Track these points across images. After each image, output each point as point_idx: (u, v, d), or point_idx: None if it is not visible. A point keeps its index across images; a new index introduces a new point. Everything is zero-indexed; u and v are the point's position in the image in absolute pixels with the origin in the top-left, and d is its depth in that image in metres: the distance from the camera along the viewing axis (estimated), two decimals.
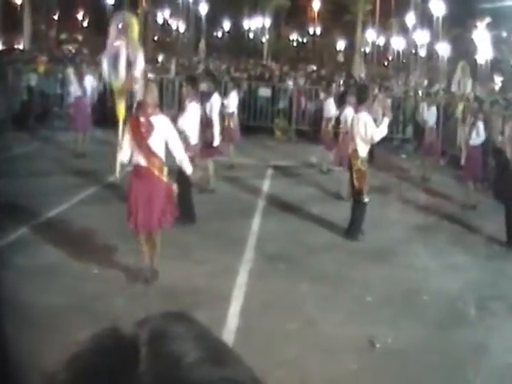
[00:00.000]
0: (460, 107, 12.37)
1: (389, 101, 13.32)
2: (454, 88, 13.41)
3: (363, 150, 8.24)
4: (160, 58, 25.83)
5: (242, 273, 6.85)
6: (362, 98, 8.60)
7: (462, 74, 12.91)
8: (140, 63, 7.46)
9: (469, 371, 5.02)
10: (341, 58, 39.52)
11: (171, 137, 6.47)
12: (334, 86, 14.38)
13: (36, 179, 10.00)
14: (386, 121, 8.43)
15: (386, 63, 38.77)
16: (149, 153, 6.30)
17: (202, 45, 28.67)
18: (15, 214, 8.01)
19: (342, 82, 18.83)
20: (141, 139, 6.28)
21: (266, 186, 11.20)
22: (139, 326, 0.60)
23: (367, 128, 8.07)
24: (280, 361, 4.96)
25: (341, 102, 12.06)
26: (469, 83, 13.03)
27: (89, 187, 9.95)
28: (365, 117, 8.16)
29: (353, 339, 5.47)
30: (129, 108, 7.91)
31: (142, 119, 6.31)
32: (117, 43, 7.20)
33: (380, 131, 8.20)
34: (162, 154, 6.39)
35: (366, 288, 6.65)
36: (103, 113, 13.90)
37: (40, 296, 5.82)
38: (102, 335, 0.60)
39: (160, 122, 6.37)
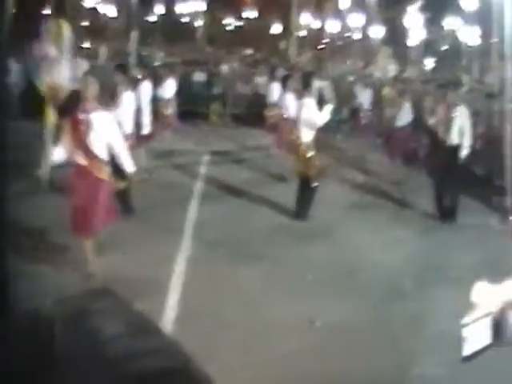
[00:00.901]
0: (385, 90, 12.63)
1: (328, 85, 13.41)
2: (376, 73, 13.68)
3: (307, 136, 8.35)
4: (89, 45, 25.04)
5: (180, 261, 6.76)
6: (306, 84, 8.68)
7: (383, 58, 13.21)
8: (65, 71, 7.26)
9: (409, 342, 5.11)
10: (276, 41, 39.53)
11: (111, 134, 6.23)
12: (278, 70, 14.30)
13: None
14: (329, 107, 8.60)
15: (321, 46, 39.00)
16: (88, 152, 6.07)
17: (135, 34, 28.01)
18: None
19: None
20: (79, 138, 6.04)
21: (204, 171, 11.13)
22: (58, 305, 0.56)
23: (311, 113, 8.21)
24: (222, 346, 4.92)
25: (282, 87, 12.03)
26: (392, 67, 13.31)
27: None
28: (309, 102, 8.32)
29: (294, 319, 5.49)
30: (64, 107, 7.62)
31: (81, 116, 6.06)
32: (43, 49, 6.97)
33: (323, 116, 8.40)
34: (102, 152, 6.17)
35: (307, 267, 6.69)
36: (28, 105, 13.42)
37: None
38: (20, 317, 0.56)
39: (100, 119, 6.12)
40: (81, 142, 6.04)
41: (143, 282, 6.00)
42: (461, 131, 8.69)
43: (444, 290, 6.21)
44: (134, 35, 27.69)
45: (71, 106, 6.55)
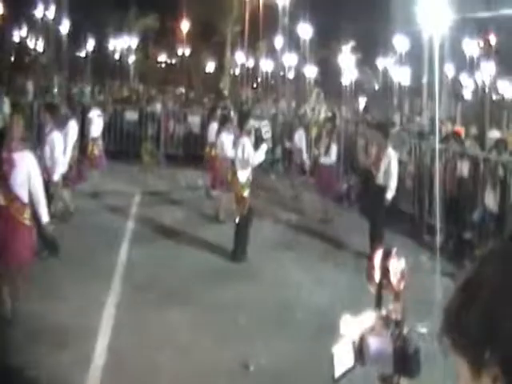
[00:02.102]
0: (314, 130, 12.97)
1: (266, 124, 13.60)
2: (309, 113, 14.02)
3: (243, 175, 8.43)
4: (16, 80, 24.49)
5: (109, 306, 6.57)
6: (242, 123, 8.86)
7: (316, 99, 13.62)
8: None
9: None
10: (210, 80, 39.85)
11: (33, 176, 6.10)
12: (218, 111, 14.36)
13: None
14: (264, 147, 8.93)
15: (255, 85, 39.55)
16: (9, 193, 5.95)
17: (63, 70, 27.70)
18: None
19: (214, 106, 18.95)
20: (1, 177, 5.92)
21: (134, 212, 10.94)
22: None
23: (247, 153, 8.37)
24: None
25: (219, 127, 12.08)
26: (323, 108, 13.70)
27: None
28: (245, 142, 8.48)
29: (226, 363, 5.44)
30: None
31: (5, 155, 5.94)
32: None
33: (258, 156, 8.58)
34: (24, 192, 6.04)
35: (239, 310, 6.64)
36: None
37: None
38: None
39: (23, 159, 6.02)
40: (2, 182, 5.92)
41: (71, 330, 5.85)
42: (387, 173, 8.89)
43: None
44: (62, 71, 27.48)
45: None
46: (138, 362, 5.34)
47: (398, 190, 9.28)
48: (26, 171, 5.99)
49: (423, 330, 2.43)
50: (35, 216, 6.30)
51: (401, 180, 9.91)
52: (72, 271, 7.47)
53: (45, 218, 6.33)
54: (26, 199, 6.06)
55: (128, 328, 6.03)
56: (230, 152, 10.08)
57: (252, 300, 7.00)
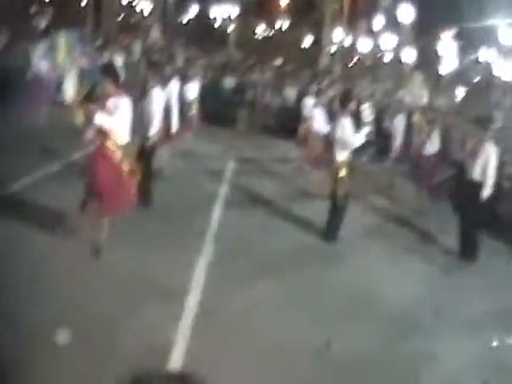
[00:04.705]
0: (416, 116, 12.55)
1: (368, 106, 13.29)
2: (407, 98, 13.55)
3: (341, 155, 8.22)
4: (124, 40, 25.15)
5: (200, 266, 6.66)
6: (345, 102, 8.55)
7: (415, 83, 13.12)
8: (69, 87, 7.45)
9: (419, 381, 5.00)
10: (306, 55, 39.51)
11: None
12: (313, 86, 14.25)
13: None
14: (366, 129, 8.58)
15: (350, 64, 38.89)
16: (110, 135, 6.21)
17: (156, 31, 28.07)
18: None
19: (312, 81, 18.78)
20: (104, 121, 6.19)
21: (228, 177, 11.02)
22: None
23: (347, 134, 8.10)
24: (235, 357, 4.84)
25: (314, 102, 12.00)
26: (423, 93, 13.14)
27: (51, 164, 9.55)
28: (346, 122, 8.18)
29: (308, 340, 5.38)
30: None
31: (104, 101, 6.20)
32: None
33: (358, 138, 8.28)
34: (124, 136, 6.30)
35: (324, 290, 6.57)
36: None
37: None
38: None
39: (122, 104, 6.25)
40: (104, 125, 6.18)
41: (161, 283, 5.96)
42: (484, 169, 8.45)
43: (458, 332, 6.09)
44: (167, 34, 27.93)
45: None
46: (224, 326, 5.37)
47: (494, 189, 8.74)
48: (125, 114, 6.25)
49: None
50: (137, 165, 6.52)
51: (498, 180, 9.41)
52: (164, 226, 7.64)
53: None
54: (127, 141, 6.33)
55: (217, 290, 6.07)
56: (324, 128, 9.94)
57: (338, 283, 6.89)
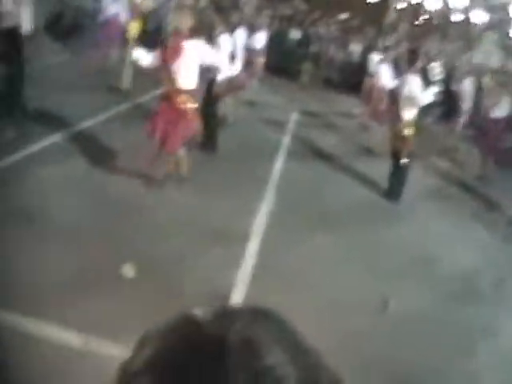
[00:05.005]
0: (486, 79, 12.07)
1: (437, 65, 12.86)
2: (477, 59, 13.01)
3: (407, 113, 8.03)
4: None
5: (261, 214, 6.70)
6: (412, 60, 8.34)
7: (487, 44, 12.54)
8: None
9: (473, 349, 4.93)
10: (372, 10, 38.42)
11: (207, 56, 6.30)
12: (379, 42, 13.91)
13: (66, 90, 9.78)
14: (434, 88, 8.38)
15: (417, 22, 37.64)
16: (177, 78, 6.17)
17: None
18: (46, 122, 8.03)
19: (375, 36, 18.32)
20: (170, 64, 6.13)
21: (290, 128, 10.95)
22: (226, 325, 0.54)
23: (415, 92, 7.89)
24: (293, 306, 4.86)
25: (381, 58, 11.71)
26: (496, 56, 12.58)
27: (117, 105, 9.67)
28: (414, 80, 7.98)
29: (365, 296, 5.36)
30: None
31: (173, 44, 6.12)
32: None
33: (426, 97, 8.10)
34: (191, 80, 6.24)
35: (383, 248, 6.50)
36: None
37: (62, 206, 5.77)
38: (188, 331, 0.55)
39: (193, 47, 6.14)
40: (171, 68, 6.13)
41: (224, 226, 6.04)
42: None
43: None
44: None
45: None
46: (284, 274, 5.40)
47: None
48: (196, 57, 6.15)
49: None
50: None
51: None
52: (228, 173, 7.68)
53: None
54: (191, 87, 6.26)
55: (277, 239, 6.10)
56: (390, 85, 9.70)
57: (398, 243, 6.79)
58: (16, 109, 8.24)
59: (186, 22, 6.25)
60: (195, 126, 6.50)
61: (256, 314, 0.57)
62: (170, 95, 6.25)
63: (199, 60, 6.25)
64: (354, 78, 15.00)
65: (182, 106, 6.24)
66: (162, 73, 6.24)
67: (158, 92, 6.78)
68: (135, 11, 8.25)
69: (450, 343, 4.97)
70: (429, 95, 8.15)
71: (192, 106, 6.33)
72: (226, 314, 0.56)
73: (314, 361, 0.55)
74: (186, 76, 6.20)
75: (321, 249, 6.17)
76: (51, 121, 8.17)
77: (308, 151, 9.72)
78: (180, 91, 6.21)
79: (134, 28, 7.91)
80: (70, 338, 3.92)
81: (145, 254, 5.14)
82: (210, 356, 0.51)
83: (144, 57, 6.24)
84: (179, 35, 6.18)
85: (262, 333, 0.54)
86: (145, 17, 12.29)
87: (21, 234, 5.08)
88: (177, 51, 6.09)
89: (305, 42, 17.09)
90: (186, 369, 0.50)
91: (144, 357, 0.53)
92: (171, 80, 6.18)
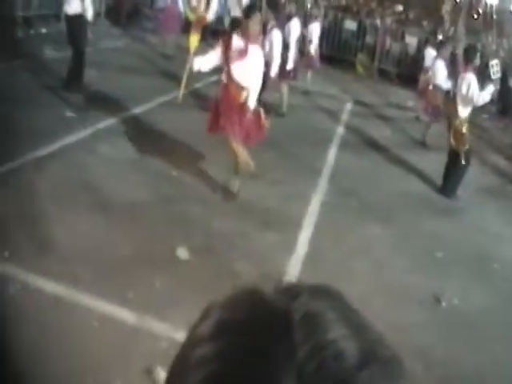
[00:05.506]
0: None
1: (497, 63, 12.53)
2: None
3: (464, 111, 7.89)
4: None
5: (314, 202, 6.68)
6: (469, 57, 8.15)
7: None
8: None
9: None
10: (430, 3, 37.69)
11: (257, 68, 6.09)
12: (436, 36, 13.68)
13: (125, 74, 9.97)
14: (491, 88, 8.13)
15: (476, 16, 36.77)
16: (233, 78, 6.05)
17: None
18: (104, 105, 8.24)
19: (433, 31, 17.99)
20: (231, 61, 6.01)
21: (344, 118, 10.88)
22: (289, 299, 0.54)
23: (471, 90, 7.72)
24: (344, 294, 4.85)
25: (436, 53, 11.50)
26: None
27: (173, 90, 9.74)
28: (471, 78, 7.79)
29: (418, 291, 5.27)
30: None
31: (239, 44, 5.99)
32: None
33: (484, 96, 7.92)
34: (255, 81, 6.07)
35: (437, 242, 6.37)
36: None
37: (119, 187, 5.90)
38: (252, 302, 0.54)
39: (255, 52, 6.02)
40: (231, 65, 6.01)
41: (277, 214, 6.07)
42: None
43: None
44: None
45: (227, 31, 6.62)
46: (335, 263, 5.39)
47: None
48: (251, 63, 6.01)
49: None
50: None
51: None
52: (282, 161, 7.71)
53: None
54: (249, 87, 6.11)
55: (329, 227, 6.09)
56: (444, 83, 9.54)
57: (451, 238, 6.64)
58: (77, 90, 8.49)
59: (256, 27, 6.06)
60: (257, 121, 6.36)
61: (318, 290, 0.58)
62: (229, 89, 6.10)
63: (257, 64, 6.13)
64: (410, 71, 14.82)
65: (242, 102, 6.07)
66: (224, 70, 6.11)
67: (213, 79, 6.76)
68: (196, 25, 8.47)
69: (505, 342, 4.87)
70: (486, 95, 7.97)
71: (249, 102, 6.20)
72: (289, 289, 0.56)
73: (375, 337, 0.54)
74: (245, 74, 6.05)
75: (372, 239, 6.12)
76: (109, 103, 8.35)
77: (361, 141, 9.63)
78: (242, 89, 6.07)
79: (194, 41, 8.11)
80: (125, 314, 4.01)
81: (201, 235, 5.22)
82: (275, 327, 0.51)
83: (204, 65, 6.20)
84: (248, 36, 5.98)
85: (324, 308, 0.54)
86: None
87: (82, 210, 5.24)
88: (241, 54, 5.96)
89: (360, 32, 16.93)
90: (251, 338, 0.50)
91: (208, 325, 0.53)
92: (233, 79, 6.05)
